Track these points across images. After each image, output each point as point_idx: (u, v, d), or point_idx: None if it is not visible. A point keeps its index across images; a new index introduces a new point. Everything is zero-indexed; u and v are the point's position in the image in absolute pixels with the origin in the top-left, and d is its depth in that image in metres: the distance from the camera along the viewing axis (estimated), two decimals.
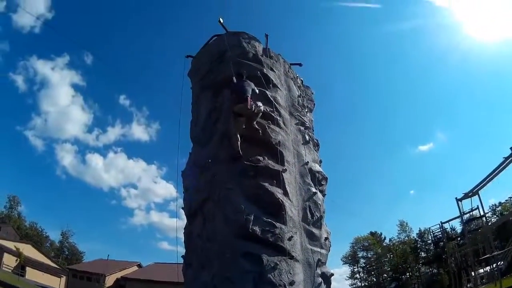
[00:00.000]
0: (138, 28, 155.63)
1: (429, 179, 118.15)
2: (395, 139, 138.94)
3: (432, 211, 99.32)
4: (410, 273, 69.06)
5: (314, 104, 11.74)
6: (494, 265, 27.65)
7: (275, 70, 9.95)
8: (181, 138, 10.15)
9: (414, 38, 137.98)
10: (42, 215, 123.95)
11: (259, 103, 8.37)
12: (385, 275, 72.60)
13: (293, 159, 8.96)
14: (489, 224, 34.19)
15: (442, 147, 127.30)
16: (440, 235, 39.55)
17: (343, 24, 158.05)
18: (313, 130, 10.85)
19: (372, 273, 74.82)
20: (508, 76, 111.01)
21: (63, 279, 47.72)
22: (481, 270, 32.46)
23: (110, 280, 46.67)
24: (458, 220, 35.69)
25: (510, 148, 24.80)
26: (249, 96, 8.06)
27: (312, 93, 11.92)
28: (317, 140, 10.77)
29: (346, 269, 78.45)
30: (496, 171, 27.08)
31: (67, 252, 78.12)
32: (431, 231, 43.55)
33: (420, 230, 68.60)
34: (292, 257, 7.39)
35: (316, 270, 8.03)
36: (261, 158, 8.16)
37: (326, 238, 8.95)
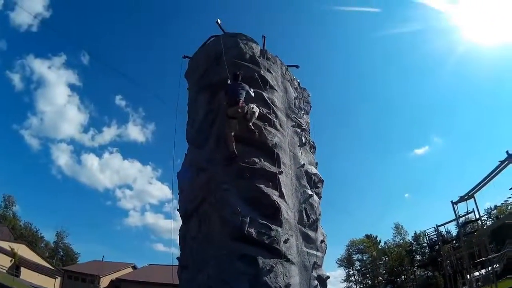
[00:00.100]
0: (136, 28, 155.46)
1: (424, 182, 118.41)
2: (391, 142, 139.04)
3: (427, 214, 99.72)
4: (405, 276, 69.09)
5: (310, 107, 11.73)
6: (489, 268, 27.70)
7: (272, 72, 9.94)
8: (177, 139, 10.12)
9: (411, 42, 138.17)
10: (37, 215, 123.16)
11: (254, 105, 8.39)
12: (380, 278, 72.60)
13: (289, 161, 8.94)
14: (485, 227, 34.24)
15: (438, 150, 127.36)
16: (436, 238, 39.61)
17: (339, 27, 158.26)
18: (309, 132, 10.86)
19: (368, 275, 74.83)
20: (504, 80, 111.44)
21: (58, 280, 47.46)
22: (477, 273, 32.53)
23: (105, 281, 46.50)
24: (454, 223, 35.91)
25: (506, 152, 24.85)
26: (242, 98, 8.10)
27: (309, 95, 11.91)
28: (313, 142, 10.76)
29: (341, 272, 78.43)
30: (492, 175, 27.12)
31: (62, 253, 77.79)
32: (426, 234, 43.67)
33: (415, 233, 68.82)
34: (288, 260, 7.38)
35: (312, 272, 8.02)
36: (257, 160, 8.14)
37: (322, 241, 8.94)
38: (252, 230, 7.17)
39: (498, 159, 26.24)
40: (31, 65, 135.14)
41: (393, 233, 72.97)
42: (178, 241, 9.11)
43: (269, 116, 8.91)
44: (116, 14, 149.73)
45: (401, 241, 71.70)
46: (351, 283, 75.93)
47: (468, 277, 31.69)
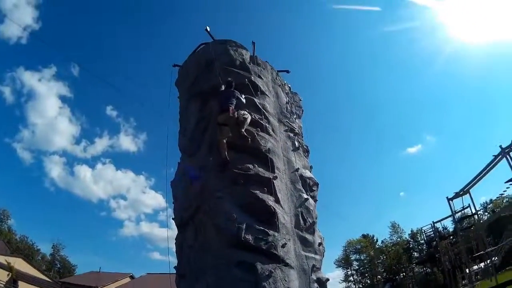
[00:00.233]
0: (125, 39, 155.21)
1: (418, 180, 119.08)
2: (384, 142, 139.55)
3: (422, 212, 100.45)
4: (404, 274, 69.31)
5: (302, 111, 11.74)
6: (488, 261, 27.82)
7: (262, 77, 9.95)
8: (169, 148, 10.11)
9: (400, 41, 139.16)
10: (32, 228, 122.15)
11: (245, 112, 8.39)
12: (379, 276, 72.76)
13: (283, 166, 8.94)
14: (481, 221, 34.44)
15: (431, 148, 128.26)
16: (433, 235, 39.76)
17: (327, 29, 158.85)
18: (302, 136, 10.86)
19: (366, 275, 75.03)
20: (494, 77, 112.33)
21: None
22: (475, 267, 32.68)
23: None
24: (450, 219, 36.00)
25: (499, 146, 25.02)
26: (232, 105, 8.12)
27: (300, 100, 11.93)
28: (306, 146, 10.77)
29: (339, 273, 78.54)
30: (487, 169, 27.27)
31: (58, 265, 77.29)
32: (423, 231, 43.83)
33: (412, 231, 69.16)
34: (286, 264, 7.36)
35: (311, 276, 8.00)
36: (251, 166, 8.12)
37: (320, 244, 8.94)
38: (249, 237, 7.14)
39: (489, 154, 26.49)
40: (21, 77, 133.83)
41: (390, 232, 73.38)
42: (174, 250, 9.08)
43: (261, 122, 8.90)
44: (106, 25, 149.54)
45: (398, 239, 72.02)
46: (350, 283, 76.10)
47: (467, 271, 31.86)
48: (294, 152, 9.70)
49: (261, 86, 9.59)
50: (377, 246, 74.38)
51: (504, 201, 48.39)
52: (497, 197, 45.94)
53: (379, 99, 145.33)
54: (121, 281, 49.81)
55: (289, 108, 10.60)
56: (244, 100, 8.66)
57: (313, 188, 9.80)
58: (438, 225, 39.08)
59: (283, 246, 7.47)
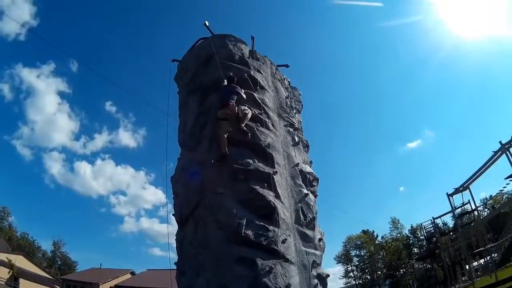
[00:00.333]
0: (123, 34, 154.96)
1: (418, 175, 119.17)
2: (383, 137, 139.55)
3: (422, 207, 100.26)
4: (404, 270, 69.32)
5: (302, 105, 11.70)
6: (488, 258, 27.83)
7: (262, 72, 9.90)
8: (169, 143, 10.07)
9: (401, 36, 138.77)
10: (32, 225, 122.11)
11: (245, 107, 8.36)
12: (379, 272, 72.77)
13: (283, 161, 8.91)
14: (481, 217, 34.44)
15: (430, 143, 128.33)
16: (433, 231, 39.72)
17: (328, 24, 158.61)
18: (302, 131, 10.81)
19: (366, 271, 74.90)
20: (493, 72, 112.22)
21: None
22: (475, 263, 32.68)
23: None
24: (450, 215, 36.01)
25: (499, 142, 24.99)
26: (232, 101, 8.09)
27: (300, 94, 11.90)
28: (306, 141, 10.73)
29: (340, 268, 78.36)
30: (486, 165, 27.26)
31: (59, 262, 77.30)
32: (423, 227, 43.80)
33: (412, 227, 69.14)
34: (286, 260, 7.35)
35: (311, 271, 8.00)
36: (251, 161, 8.09)
37: (320, 239, 8.92)
38: (249, 232, 7.12)
39: (489, 149, 26.49)
40: (20, 74, 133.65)
41: (390, 228, 73.19)
42: (175, 245, 9.05)
43: (261, 117, 8.87)
44: (104, 21, 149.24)
45: (398, 235, 71.89)
46: (350, 279, 76.01)
47: (467, 267, 31.85)
48: (294, 147, 9.66)
49: (260, 81, 9.54)
50: (377, 242, 74.31)
51: (504, 197, 48.27)
52: (497, 193, 45.89)
53: (379, 94, 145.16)
54: (122, 277, 49.91)
55: (288, 103, 10.56)
56: (244, 96, 8.62)
57: (313, 183, 9.77)
58: (438, 221, 39.06)
59: (284, 241, 7.45)
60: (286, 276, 7.07)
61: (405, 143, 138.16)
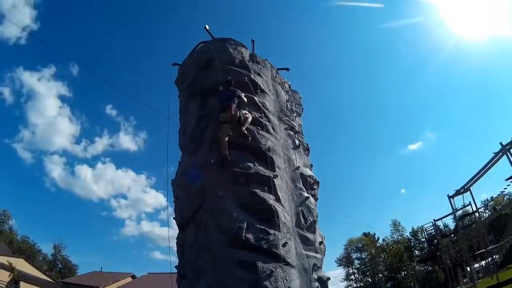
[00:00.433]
0: (124, 37, 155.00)
1: (419, 178, 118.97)
2: (384, 139, 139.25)
3: (423, 209, 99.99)
4: (405, 272, 69.28)
5: (302, 109, 11.72)
6: (489, 259, 27.81)
7: (262, 76, 9.92)
8: (169, 146, 10.08)
9: (403, 37, 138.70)
10: (33, 229, 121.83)
11: (246, 111, 8.39)
12: (380, 275, 72.77)
13: (283, 164, 8.92)
14: (482, 219, 34.41)
15: (432, 145, 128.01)
16: (434, 233, 39.73)
17: (328, 25, 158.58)
18: (302, 135, 10.83)
19: (367, 273, 74.93)
20: (494, 73, 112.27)
21: None
22: (477, 265, 32.67)
23: None
24: (451, 217, 36.03)
25: (500, 143, 25.00)
26: (234, 104, 8.11)
27: (300, 98, 11.92)
28: (307, 144, 10.74)
29: (341, 271, 78.38)
30: (487, 167, 27.29)
31: (60, 266, 77.24)
32: (424, 229, 43.83)
33: (413, 229, 69.17)
34: (287, 263, 7.34)
35: (312, 275, 7.98)
36: (251, 164, 8.10)
37: (321, 242, 8.92)
38: (250, 236, 7.12)
39: (490, 151, 26.50)
40: (20, 77, 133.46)
41: (391, 230, 73.27)
42: (175, 249, 9.05)
43: (261, 120, 8.89)
44: (105, 24, 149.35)
45: (399, 237, 71.94)
46: (351, 282, 76.02)
47: (468, 269, 31.83)
48: (294, 151, 9.67)
49: (261, 84, 9.56)
50: (378, 244, 74.33)
51: (505, 198, 48.27)
52: (498, 195, 45.88)
53: (380, 95, 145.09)
54: (123, 280, 49.81)
55: (289, 106, 10.57)
56: (245, 99, 8.64)
57: (314, 187, 9.77)
58: (439, 223, 39.14)
59: (284, 245, 7.45)
60: (287, 280, 7.06)
61: (406, 145, 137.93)
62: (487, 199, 62.49)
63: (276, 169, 8.40)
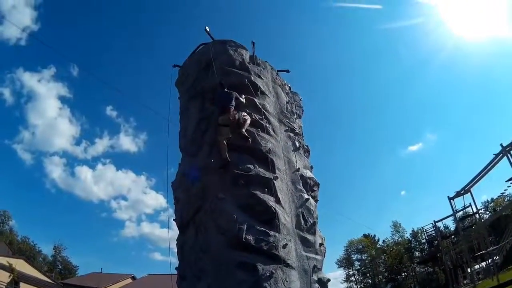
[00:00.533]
0: (124, 38, 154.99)
1: (419, 179, 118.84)
2: (384, 140, 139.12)
3: (424, 211, 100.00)
4: (406, 273, 69.23)
5: (303, 110, 11.73)
6: (489, 261, 27.81)
7: (262, 77, 9.93)
8: (169, 148, 10.10)
9: (402, 38, 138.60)
10: (33, 230, 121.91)
11: (245, 113, 8.40)
12: (381, 276, 72.67)
13: (284, 166, 8.93)
14: (483, 220, 34.42)
15: (432, 146, 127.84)
16: (434, 234, 39.76)
17: (328, 26, 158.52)
18: (303, 136, 10.84)
19: (368, 275, 74.81)
20: (495, 74, 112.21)
21: None
22: (477, 266, 32.66)
23: None
24: (451, 218, 36.05)
25: (500, 145, 25.03)
26: (232, 106, 8.14)
27: (301, 99, 11.93)
28: (307, 146, 10.75)
29: (341, 273, 78.17)
30: (487, 168, 27.31)
31: (60, 267, 77.20)
32: (424, 230, 43.87)
33: (413, 230, 69.11)
34: (287, 265, 7.35)
35: (312, 276, 7.99)
36: (251, 166, 8.11)
37: (321, 244, 8.93)
38: (250, 237, 7.12)
39: (491, 152, 26.54)
40: (21, 78, 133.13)
41: (391, 231, 73.23)
42: (175, 250, 9.06)
43: (262, 122, 8.89)
44: (105, 25, 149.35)
45: (400, 238, 71.90)
46: (351, 283, 75.91)
47: (469, 270, 31.84)
48: (294, 152, 9.69)
49: (261, 86, 9.58)
50: (379, 246, 74.28)
51: (505, 200, 48.32)
52: (498, 196, 45.98)
53: (380, 96, 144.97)
54: (123, 282, 49.78)
55: (289, 108, 10.59)
56: (244, 100, 8.66)
57: (314, 188, 9.78)
58: (439, 224, 39.16)
59: (284, 246, 7.46)
60: (287, 281, 7.07)
61: (406, 146, 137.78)
62: (488, 201, 62.48)
63: (277, 171, 8.41)
